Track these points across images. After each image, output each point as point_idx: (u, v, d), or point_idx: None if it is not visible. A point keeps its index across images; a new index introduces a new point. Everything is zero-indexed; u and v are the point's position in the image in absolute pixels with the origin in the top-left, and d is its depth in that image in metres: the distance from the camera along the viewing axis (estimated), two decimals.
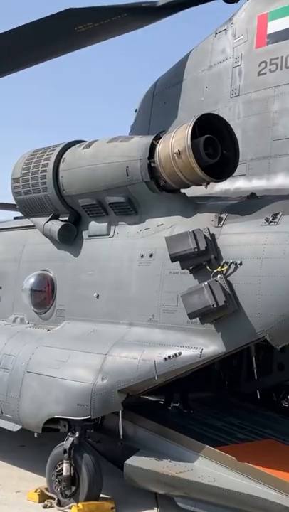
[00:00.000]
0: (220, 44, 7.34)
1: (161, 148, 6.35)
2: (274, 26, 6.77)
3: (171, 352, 5.97)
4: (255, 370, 7.77)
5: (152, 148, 6.47)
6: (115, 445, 6.67)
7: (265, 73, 6.78)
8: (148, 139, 6.61)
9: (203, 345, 5.85)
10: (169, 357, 5.94)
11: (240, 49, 7.06)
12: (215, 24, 7.57)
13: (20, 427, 7.02)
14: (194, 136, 6.02)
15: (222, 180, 6.43)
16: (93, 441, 6.85)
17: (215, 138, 6.14)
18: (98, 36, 8.15)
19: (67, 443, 6.35)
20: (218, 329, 5.78)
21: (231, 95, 7.09)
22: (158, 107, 8.15)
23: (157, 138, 6.56)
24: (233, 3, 7.74)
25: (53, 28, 7.77)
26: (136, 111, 8.82)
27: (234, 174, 6.40)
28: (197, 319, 5.84)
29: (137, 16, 7.78)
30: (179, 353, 5.92)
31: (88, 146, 7.29)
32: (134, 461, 6.13)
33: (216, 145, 6.16)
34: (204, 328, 5.86)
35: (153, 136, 6.61)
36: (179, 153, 6.04)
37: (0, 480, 7.28)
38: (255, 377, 7.94)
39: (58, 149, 7.56)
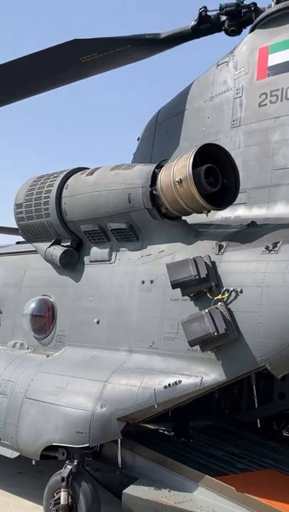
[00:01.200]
0: (221, 76, 7.50)
1: (163, 177, 6.44)
2: (275, 59, 6.92)
3: (171, 380, 5.94)
4: (255, 399, 7.72)
5: (154, 176, 6.56)
6: (114, 474, 6.58)
7: (265, 104, 6.91)
8: (150, 167, 6.71)
9: (203, 374, 5.83)
10: (169, 385, 5.91)
11: (242, 81, 7.21)
12: (216, 56, 7.76)
13: (18, 453, 6.94)
14: (196, 165, 6.11)
15: (223, 209, 6.49)
16: (91, 469, 6.76)
17: (216, 167, 6.22)
18: (102, 66, 8.33)
19: (65, 471, 6.28)
20: (218, 357, 5.77)
21: (232, 126, 7.21)
22: (160, 136, 8.28)
23: (159, 166, 6.65)
24: (235, 35, 7.93)
25: (59, 58, 7.94)
26: (138, 139, 8.95)
27: (235, 202, 6.47)
28: (198, 347, 5.82)
29: (140, 48, 7.97)
30: (179, 381, 5.90)
31: (91, 173, 7.39)
32: (132, 490, 6.05)
33: (217, 174, 6.24)
34: (205, 356, 5.84)
35: (155, 165, 6.70)
36: (180, 181, 6.12)
37: None
38: (256, 406, 7.89)
39: (61, 176, 7.66)
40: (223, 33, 7.95)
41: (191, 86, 7.93)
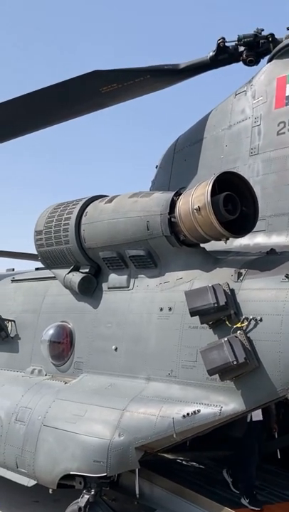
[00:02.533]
0: (240, 105, 7.59)
1: (181, 204, 6.48)
2: None
3: (190, 409, 5.88)
4: (275, 429, 7.58)
5: (173, 204, 6.60)
6: (131, 504, 6.51)
7: (283, 133, 6.95)
8: (169, 195, 6.76)
9: (222, 403, 5.76)
10: (188, 414, 5.85)
11: (260, 110, 7.28)
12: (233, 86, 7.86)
13: (35, 482, 6.89)
14: (214, 193, 6.14)
15: (241, 236, 6.49)
16: (109, 499, 6.68)
17: (234, 195, 6.25)
18: (122, 96, 8.47)
19: (82, 500, 6.22)
20: (238, 387, 5.70)
21: (250, 154, 7.25)
22: (178, 163, 8.36)
23: (178, 194, 6.70)
24: (253, 65, 8.04)
25: (79, 88, 8.10)
26: (157, 167, 9.04)
27: (254, 230, 6.47)
28: (217, 376, 5.76)
29: (159, 78, 8.10)
30: (198, 411, 5.83)
31: (110, 200, 7.47)
32: None
33: (236, 202, 6.26)
34: (224, 385, 5.78)
35: (173, 192, 6.75)
36: (199, 209, 6.15)
37: None
38: (276, 437, 7.74)
39: (80, 203, 7.76)
40: (241, 63, 8.06)
41: (209, 115, 8.02)
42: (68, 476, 6.47)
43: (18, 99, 8.30)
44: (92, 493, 6.25)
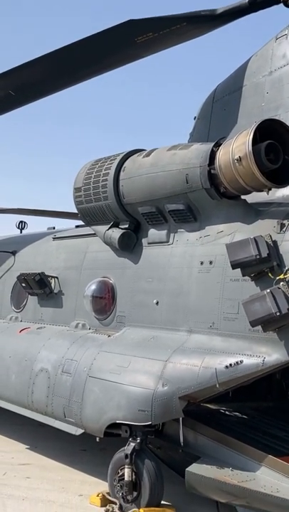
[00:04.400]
0: (280, 49, 7.27)
1: (221, 155, 6.34)
2: None
3: (232, 360, 5.92)
4: None
5: (212, 155, 6.46)
6: (176, 452, 6.67)
7: None
8: (208, 146, 6.62)
9: (265, 354, 5.77)
10: (231, 365, 5.89)
11: None
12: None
13: (83, 431, 7.14)
14: (255, 142, 5.98)
15: (284, 186, 6.33)
16: (154, 447, 6.88)
17: (277, 143, 6.07)
18: (157, 46, 8.22)
19: (128, 448, 6.41)
20: (281, 337, 5.68)
21: None
22: (217, 113, 8.14)
23: (217, 145, 6.55)
24: None
25: (114, 39, 7.90)
26: (195, 118, 8.84)
27: None
28: (259, 327, 5.76)
29: (195, 25, 7.80)
30: (241, 361, 5.86)
31: (148, 154, 7.38)
32: (195, 468, 6.11)
33: (278, 150, 6.09)
34: (266, 336, 5.77)
35: (213, 143, 6.61)
36: (239, 159, 6.01)
37: (63, 483, 7.44)
38: None
39: (118, 158, 7.70)
40: (281, 4, 7.66)
41: (248, 61, 7.73)
42: (114, 425, 6.66)
43: (49, 56, 8.17)
44: (138, 441, 6.42)
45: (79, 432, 7.21)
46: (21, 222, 14.33)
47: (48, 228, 11.37)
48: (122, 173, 7.58)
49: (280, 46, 7.29)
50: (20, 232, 14.00)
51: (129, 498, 6.33)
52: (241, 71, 7.79)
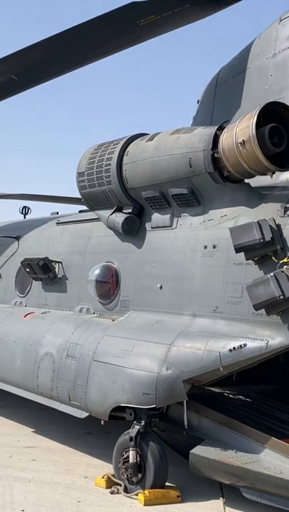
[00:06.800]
0: (285, 31, 7.17)
1: (224, 139, 6.31)
2: None
3: (236, 343, 5.95)
4: None
5: (216, 139, 6.43)
6: (180, 435, 6.72)
7: None
8: (211, 130, 6.58)
9: (268, 337, 5.80)
10: (234, 348, 5.92)
11: None
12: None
13: (88, 414, 7.21)
14: (259, 125, 5.94)
15: (288, 170, 6.31)
16: (158, 430, 6.94)
17: (280, 126, 6.04)
18: (160, 29, 8.14)
19: (133, 431, 6.48)
20: (284, 321, 5.70)
21: None
22: (221, 97, 8.08)
23: (221, 128, 6.51)
24: None
25: (116, 22, 7.82)
26: (198, 102, 8.78)
27: None
28: (262, 311, 5.78)
29: (199, 7, 7.70)
30: (244, 345, 5.89)
31: (151, 138, 7.35)
32: (199, 450, 6.18)
33: (282, 133, 6.06)
34: (270, 319, 5.79)
35: (216, 127, 6.57)
36: (243, 142, 5.98)
37: (68, 465, 7.53)
38: None
39: (121, 143, 7.67)
40: None
41: (252, 44, 7.65)
42: (119, 409, 6.72)
43: (51, 39, 8.10)
44: (143, 424, 6.49)
45: (84, 415, 7.28)
46: (25, 207, 14.34)
47: (52, 213, 11.38)
48: (125, 158, 7.56)
49: (284, 28, 7.20)
50: (24, 218, 14.02)
51: (134, 479, 6.41)
52: (244, 54, 7.71)
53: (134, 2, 7.41)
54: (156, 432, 6.79)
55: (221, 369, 5.99)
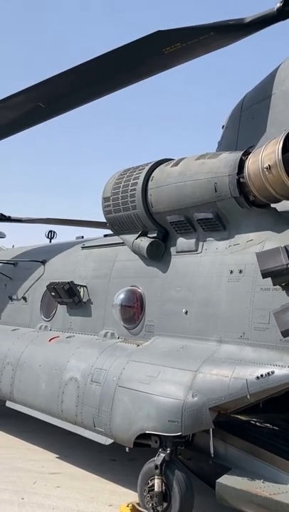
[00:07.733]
0: None
1: (250, 164, 6.31)
2: None
3: (263, 371, 5.85)
4: None
5: (241, 164, 6.45)
6: (206, 463, 6.60)
7: None
8: (237, 155, 6.60)
9: None
10: (262, 376, 5.82)
11: None
12: None
13: (112, 441, 7.14)
14: (285, 150, 5.94)
15: None
16: (184, 458, 6.82)
17: None
18: (185, 56, 8.24)
19: (158, 459, 6.38)
20: None
21: None
22: (246, 122, 8.10)
23: (246, 153, 6.53)
24: None
25: (142, 50, 7.95)
26: (223, 127, 8.82)
27: None
28: None
29: (223, 35, 7.78)
30: (272, 372, 5.79)
31: (176, 164, 7.39)
32: (226, 480, 6.04)
33: None
34: None
35: (242, 152, 6.59)
36: (269, 167, 5.98)
37: (92, 493, 7.44)
38: None
39: (146, 168, 7.73)
40: None
41: (278, 69, 7.68)
42: (144, 436, 6.64)
43: (78, 68, 8.26)
44: (168, 451, 6.39)
45: (108, 441, 7.21)
46: (50, 231, 14.50)
47: (77, 237, 11.47)
48: (150, 183, 7.61)
49: None
50: (50, 242, 14.16)
51: (159, 508, 6.30)
52: (270, 79, 7.74)
53: (160, 31, 7.53)
54: (181, 460, 6.68)
55: (248, 397, 5.88)
